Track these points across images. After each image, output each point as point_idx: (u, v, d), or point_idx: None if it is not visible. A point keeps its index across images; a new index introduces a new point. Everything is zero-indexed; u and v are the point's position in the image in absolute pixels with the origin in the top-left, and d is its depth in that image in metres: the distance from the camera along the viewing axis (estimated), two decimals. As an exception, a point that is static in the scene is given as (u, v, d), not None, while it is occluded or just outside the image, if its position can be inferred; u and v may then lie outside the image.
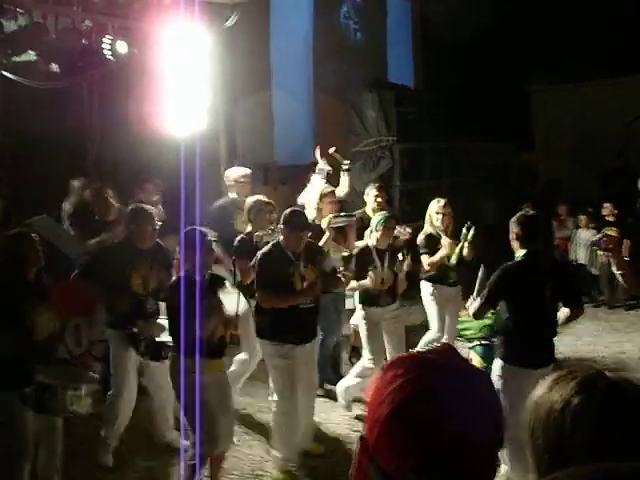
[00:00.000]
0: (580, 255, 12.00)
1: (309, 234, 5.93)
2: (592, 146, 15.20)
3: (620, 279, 4.94)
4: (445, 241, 7.23)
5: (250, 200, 6.95)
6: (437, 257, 7.25)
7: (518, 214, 5.27)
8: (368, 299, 6.85)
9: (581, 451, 1.19)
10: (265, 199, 6.94)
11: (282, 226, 5.74)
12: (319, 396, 7.16)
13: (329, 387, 7.36)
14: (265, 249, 5.80)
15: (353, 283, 6.73)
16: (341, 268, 6.45)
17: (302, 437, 5.82)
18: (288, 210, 5.92)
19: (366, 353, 6.82)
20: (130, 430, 6.09)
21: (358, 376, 6.82)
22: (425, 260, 7.32)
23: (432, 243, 7.32)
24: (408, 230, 7.57)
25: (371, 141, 12.27)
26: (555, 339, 5.29)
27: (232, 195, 7.81)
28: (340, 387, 6.98)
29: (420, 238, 7.46)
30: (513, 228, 5.16)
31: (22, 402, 4.60)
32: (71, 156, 9.88)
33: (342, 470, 5.64)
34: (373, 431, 1.16)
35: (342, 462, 5.79)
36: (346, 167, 8.32)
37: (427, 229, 7.49)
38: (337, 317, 7.45)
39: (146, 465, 5.74)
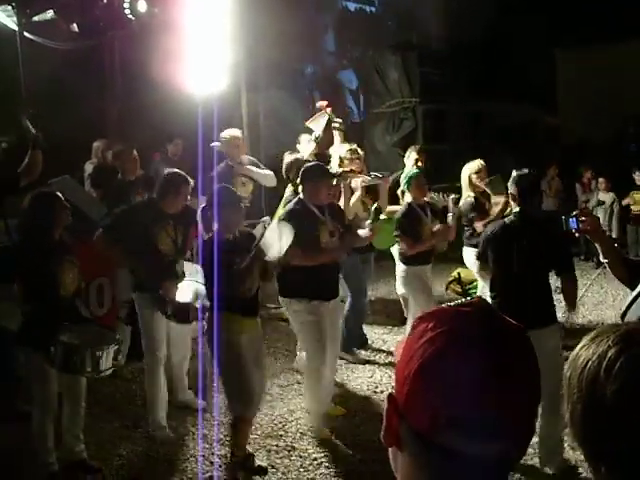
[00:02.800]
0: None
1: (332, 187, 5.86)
2: (617, 110, 14.97)
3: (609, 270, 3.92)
4: (498, 198, 7.04)
5: (287, 159, 6.92)
6: (496, 212, 6.95)
7: (514, 173, 5.14)
8: (413, 258, 6.85)
9: (613, 402, 1.15)
10: (299, 155, 6.94)
11: (302, 180, 5.68)
12: (340, 358, 7.21)
13: (357, 351, 7.41)
14: (289, 206, 5.76)
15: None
16: (368, 222, 6.34)
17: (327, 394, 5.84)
18: (307, 164, 5.89)
19: (416, 309, 6.84)
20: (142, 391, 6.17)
21: None
22: (479, 223, 7.06)
23: (481, 205, 7.20)
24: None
25: (393, 102, 12.15)
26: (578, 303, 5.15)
27: (228, 161, 7.74)
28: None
29: (466, 202, 7.30)
30: (510, 188, 5.13)
31: (47, 361, 4.63)
32: (93, 117, 9.87)
33: (365, 430, 5.66)
34: (403, 388, 1.11)
35: (366, 422, 5.82)
36: (338, 126, 8.16)
37: (469, 193, 7.34)
38: (365, 278, 7.43)
39: (169, 423, 5.76)
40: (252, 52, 9.89)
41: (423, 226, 6.81)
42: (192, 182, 6.00)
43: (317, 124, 7.79)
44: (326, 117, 7.77)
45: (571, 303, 5.24)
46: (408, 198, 6.94)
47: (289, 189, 6.96)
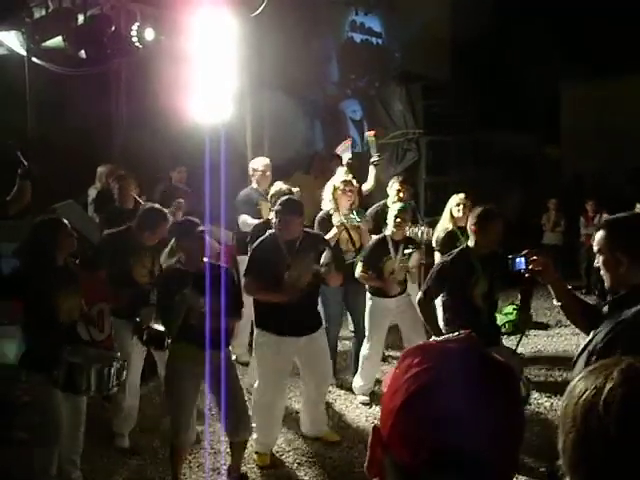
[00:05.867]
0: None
1: (303, 222, 5.82)
2: (619, 142, 15.03)
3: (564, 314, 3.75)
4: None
5: (273, 188, 7.00)
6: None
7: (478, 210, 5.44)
8: (377, 289, 6.83)
9: (610, 434, 1.15)
10: (286, 187, 6.95)
11: (274, 214, 5.71)
12: (339, 387, 7.19)
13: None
14: (261, 237, 5.80)
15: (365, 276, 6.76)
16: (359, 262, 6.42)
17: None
18: (282, 198, 5.91)
19: (365, 342, 6.89)
20: (147, 415, 6.22)
21: (362, 367, 6.96)
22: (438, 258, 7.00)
23: (451, 241, 6.96)
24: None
25: (398, 133, 12.21)
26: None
27: (254, 185, 7.81)
28: (355, 382, 7.09)
29: (439, 235, 7.30)
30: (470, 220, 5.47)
31: (51, 383, 4.63)
32: (98, 143, 9.94)
33: (361, 462, 5.61)
34: (387, 421, 1.13)
35: (362, 454, 5.78)
36: (374, 161, 8.26)
37: (447, 225, 7.32)
38: (342, 309, 7.41)
39: (163, 451, 5.73)
40: (257, 81, 9.97)
41: (385, 262, 6.72)
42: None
43: (346, 150, 7.94)
44: (373, 144, 7.93)
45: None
46: (387, 231, 6.85)
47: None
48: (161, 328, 5.36)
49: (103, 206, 8.19)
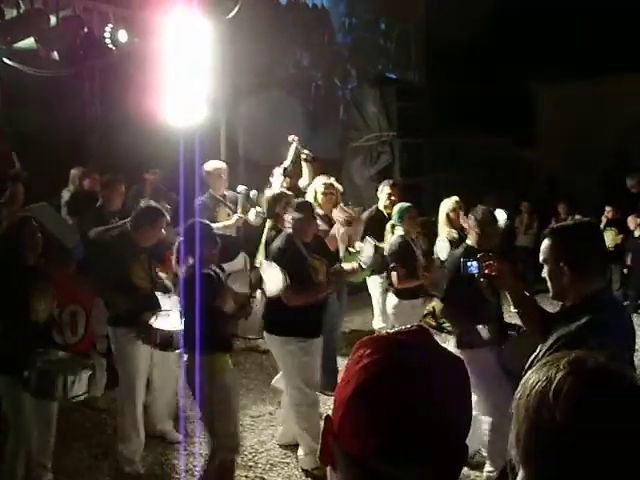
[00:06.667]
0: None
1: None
2: (591, 144, 15.20)
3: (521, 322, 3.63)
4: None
5: (273, 192, 7.02)
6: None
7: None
8: (404, 291, 6.85)
9: (559, 423, 1.18)
10: (282, 191, 7.00)
11: (293, 216, 5.64)
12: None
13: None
14: (278, 244, 5.67)
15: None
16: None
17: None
18: (297, 200, 5.95)
19: None
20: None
21: None
22: None
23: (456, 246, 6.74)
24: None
25: (372, 136, 12.27)
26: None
27: (210, 190, 7.79)
28: None
29: (442, 246, 7.25)
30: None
31: (22, 386, 4.59)
32: (72, 145, 9.87)
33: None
34: (338, 411, 1.15)
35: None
36: (305, 157, 8.20)
37: (446, 233, 7.30)
38: (337, 312, 7.42)
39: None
40: (231, 83, 9.96)
41: (416, 261, 6.80)
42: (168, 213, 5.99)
43: (287, 156, 7.91)
44: (294, 148, 7.85)
45: None
46: (399, 231, 6.92)
47: (269, 223, 6.97)
48: (168, 328, 5.27)
49: (77, 208, 8.14)
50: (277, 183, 7.51)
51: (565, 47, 14.69)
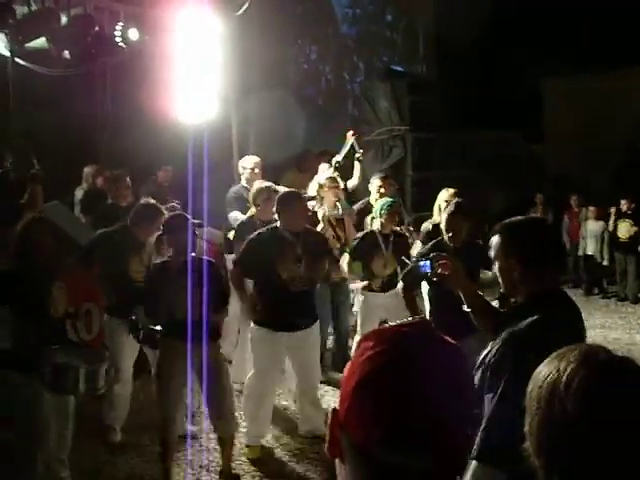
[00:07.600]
0: (589, 247, 12.15)
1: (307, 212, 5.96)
2: (600, 139, 15.15)
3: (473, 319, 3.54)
4: None
5: (258, 185, 6.97)
6: None
7: None
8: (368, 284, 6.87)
9: (570, 415, 1.19)
10: (270, 185, 6.96)
11: (278, 207, 5.67)
12: (327, 384, 7.21)
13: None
14: (259, 230, 5.79)
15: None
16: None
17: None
18: (283, 191, 5.98)
19: (356, 337, 6.88)
20: (135, 413, 6.15)
21: None
22: None
23: (437, 233, 6.68)
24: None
25: (383, 130, 12.26)
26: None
27: (243, 183, 7.83)
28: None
29: (426, 226, 7.36)
30: None
31: (40, 383, 4.62)
32: (83, 143, 9.93)
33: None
34: (344, 403, 1.17)
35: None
36: (358, 156, 8.33)
37: (435, 219, 7.37)
38: (337, 308, 7.46)
39: (152, 449, 5.74)
40: (242, 80, 9.97)
41: (376, 256, 6.74)
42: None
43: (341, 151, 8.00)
44: (349, 144, 7.94)
45: None
46: (376, 225, 6.89)
47: (249, 212, 6.99)
48: (156, 327, 5.37)
49: (90, 206, 8.18)
50: (323, 177, 7.53)
51: (575, 43, 14.63)
